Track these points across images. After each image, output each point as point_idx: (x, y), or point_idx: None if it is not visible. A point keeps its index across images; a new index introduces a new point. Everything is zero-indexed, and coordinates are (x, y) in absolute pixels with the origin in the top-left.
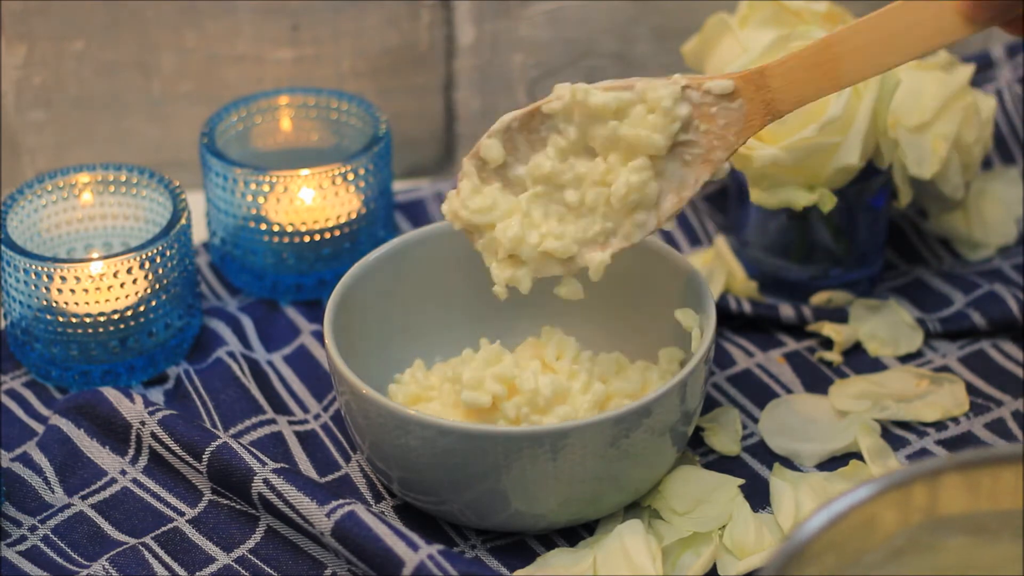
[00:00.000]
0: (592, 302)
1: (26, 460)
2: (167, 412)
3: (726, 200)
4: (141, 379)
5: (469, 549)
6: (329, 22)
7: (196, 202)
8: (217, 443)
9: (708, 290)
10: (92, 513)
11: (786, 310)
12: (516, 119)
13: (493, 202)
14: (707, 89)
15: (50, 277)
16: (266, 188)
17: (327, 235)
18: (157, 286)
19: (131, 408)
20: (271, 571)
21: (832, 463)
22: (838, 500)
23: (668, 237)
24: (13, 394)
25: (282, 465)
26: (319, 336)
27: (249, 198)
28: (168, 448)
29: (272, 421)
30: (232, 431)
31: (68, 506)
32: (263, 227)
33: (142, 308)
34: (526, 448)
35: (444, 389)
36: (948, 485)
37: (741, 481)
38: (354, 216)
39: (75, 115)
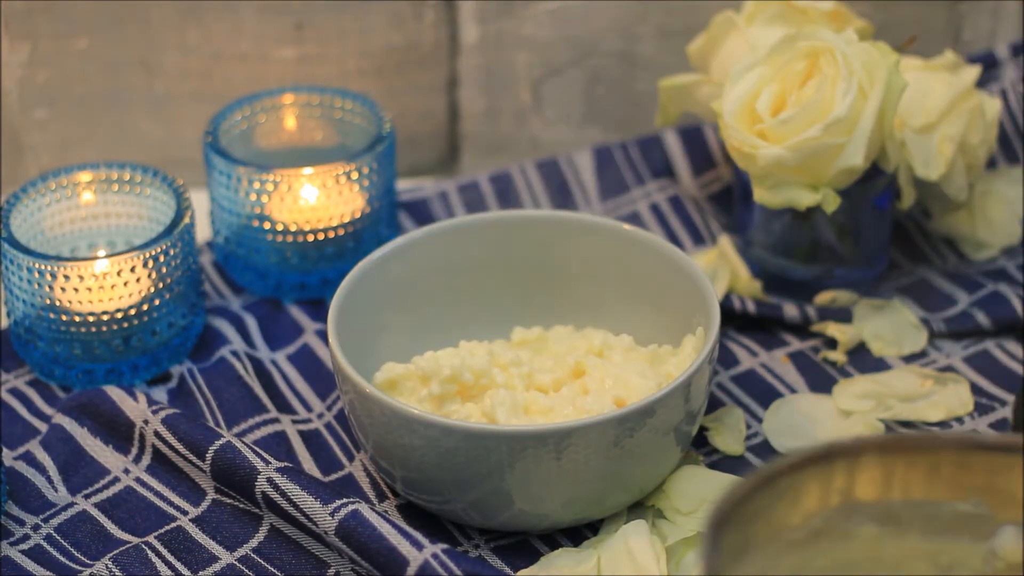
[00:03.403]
0: (596, 301)
1: (29, 459)
2: (170, 411)
3: (730, 200)
4: (144, 378)
5: (473, 549)
6: (333, 21)
7: (200, 201)
8: (220, 442)
9: (712, 289)
10: (95, 512)
11: (790, 310)
12: None
13: None
14: None
15: (53, 276)
16: (270, 187)
17: (331, 234)
18: (161, 285)
19: (134, 407)
20: (274, 570)
21: None
22: (767, 466)
23: (672, 237)
24: (16, 393)
25: (286, 464)
26: (323, 335)
27: (253, 197)
28: (171, 447)
29: (275, 420)
30: (235, 430)
31: (71, 505)
32: (267, 226)
33: (145, 307)
34: (530, 448)
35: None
36: (866, 467)
37: None
38: (358, 215)
39: (79, 113)
